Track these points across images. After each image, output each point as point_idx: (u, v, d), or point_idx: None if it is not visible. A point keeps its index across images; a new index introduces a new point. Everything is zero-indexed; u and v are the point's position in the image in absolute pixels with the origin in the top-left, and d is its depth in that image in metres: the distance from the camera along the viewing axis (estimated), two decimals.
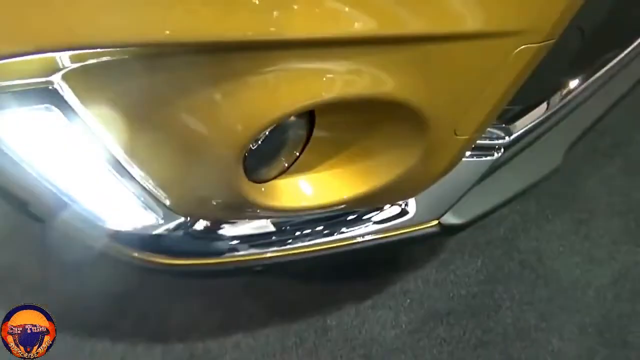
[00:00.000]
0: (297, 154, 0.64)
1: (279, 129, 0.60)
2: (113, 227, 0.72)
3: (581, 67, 0.88)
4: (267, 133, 0.59)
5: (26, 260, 1.31)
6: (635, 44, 0.92)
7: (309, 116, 0.61)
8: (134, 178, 0.63)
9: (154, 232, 0.72)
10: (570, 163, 0.94)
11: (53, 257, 1.21)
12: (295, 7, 0.47)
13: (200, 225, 0.72)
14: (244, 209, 0.65)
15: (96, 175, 0.63)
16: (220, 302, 1.10)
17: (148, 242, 0.74)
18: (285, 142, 0.63)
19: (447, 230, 0.82)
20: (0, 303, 1.55)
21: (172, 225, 0.71)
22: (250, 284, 1.12)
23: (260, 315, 1.08)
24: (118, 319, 1.14)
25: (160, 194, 0.65)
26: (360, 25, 0.50)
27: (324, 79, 0.53)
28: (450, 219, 0.81)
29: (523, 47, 0.58)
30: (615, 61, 0.89)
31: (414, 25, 0.52)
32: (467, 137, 0.66)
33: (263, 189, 0.64)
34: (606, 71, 0.89)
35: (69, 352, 1.20)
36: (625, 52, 0.90)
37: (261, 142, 0.60)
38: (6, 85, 0.52)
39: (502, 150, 0.78)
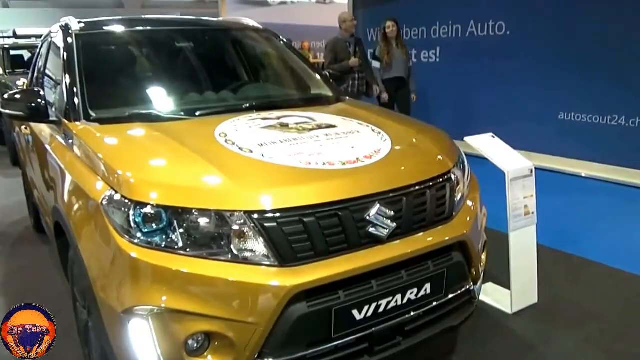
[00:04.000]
0: (206, 348, 1.71)
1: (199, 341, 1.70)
2: None
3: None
4: (195, 341, 1.69)
5: None
6: None
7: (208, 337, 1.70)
8: None
9: None
10: None
11: None
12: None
13: None
14: None
15: None
16: None
17: None
18: (201, 345, 1.71)
19: None
20: (0, 303, 1.51)
21: None
22: None
23: None
24: None
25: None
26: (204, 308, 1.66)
27: (194, 323, 1.66)
28: None
29: (258, 328, 1.64)
30: None
31: (218, 312, 1.65)
32: (248, 354, 1.67)
33: (192, 359, 1.69)
34: None
35: None
36: None
37: (195, 344, 1.70)
38: None
39: None
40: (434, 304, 2.02)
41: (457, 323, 2.14)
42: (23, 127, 3.46)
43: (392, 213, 1.85)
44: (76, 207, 2.02)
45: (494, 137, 2.93)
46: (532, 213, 2.79)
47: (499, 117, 6.19)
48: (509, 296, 2.80)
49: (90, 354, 2.17)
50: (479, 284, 2.26)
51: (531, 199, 2.78)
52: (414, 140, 2.31)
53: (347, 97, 3.09)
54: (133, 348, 1.70)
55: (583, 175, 5.27)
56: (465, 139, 2.84)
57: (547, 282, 3.00)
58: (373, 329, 1.85)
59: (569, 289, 3.09)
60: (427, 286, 1.95)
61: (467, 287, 2.16)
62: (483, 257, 2.32)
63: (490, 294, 2.90)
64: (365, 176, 1.91)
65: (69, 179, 2.16)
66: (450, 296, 2.08)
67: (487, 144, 2.84)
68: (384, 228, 1.83)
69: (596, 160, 5.29)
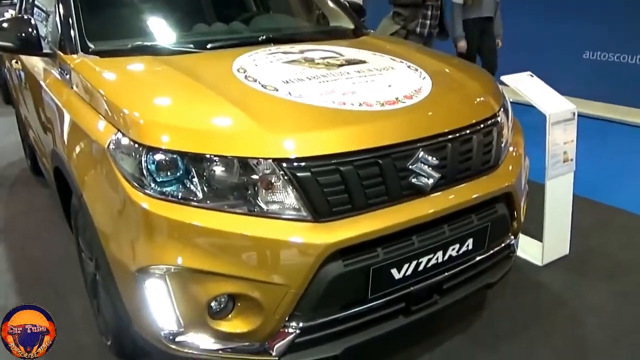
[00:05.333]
0: (230, 310, 1.54)
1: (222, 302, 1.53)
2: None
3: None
4: (218, 303, 1.52)
5: None
6: None
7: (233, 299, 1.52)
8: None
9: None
10: None
11: None
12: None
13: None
14: (210, 329, 1.54)
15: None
16: None
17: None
18: (225, 307, 1.54)
19: None
20: (0, 303, 1.52)
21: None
22: None
23: None
24: None
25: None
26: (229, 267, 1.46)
27: (217, 284, 1.47)
28: None
29: (289, 290, 1.45)
30: None
31: (245, 272, 1.46)
32: (278, 317, 1.50)
33: (215, 321, 1.53)
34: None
35: None
36: None
37: (219, 305, 1.53)
38: None
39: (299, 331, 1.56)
40: (474, 260, 1.85)
41: (496, 280, 1.98)
42: (13, 61, 3.16)
43: (437, 161, 1.64)
44: (78, 150, 1.80)
45: (532, 76, 2.67)
46: (571, 160, 2.58)
47: (518, 57, 5.87)
48: (540, 248, 2.65)
49: (99, 308, 2.02)
50: (518, 237, 2.09)
51: (571, 145, 2.56)
52: (456, 78, 2.06)
53: (371, 30, 2.79)
54: (150, 309, 1.53)
55: (607, 118, 5.04)
56: (502, 78, 2.59)
57: (577, 232, 2.83)
58: (411, 288, 1.68)
59: (599, 240, 2.93)
60: (470, 242, 1.77)
61: (508, 241, 1.99)
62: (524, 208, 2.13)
63: (519, 246, 2.74)
64: (407, 119, 1.68)
65: (68, 119, 1.92)
66: (491, 252, 1.91)
67: (525, 84, 2.59)
68: (427, 178, 1.62)
69: (621, 102, 5.04)
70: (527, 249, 2.71)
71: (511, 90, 2.54)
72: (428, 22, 4.31)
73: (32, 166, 3.83)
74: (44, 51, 2.23)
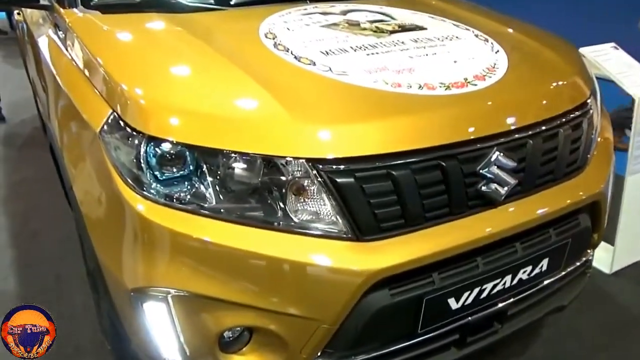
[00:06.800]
0: (245, 342, 1.24)
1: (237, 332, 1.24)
2: None
3: None
4: (232, 332, 1.24)
5: None
6: None
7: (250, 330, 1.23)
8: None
9: None
10: None
11: None
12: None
13: None
14: None
15: None
16: None
17: None
18: (239, 337, 1.25)
19: None
20: (0, 303, 1.51)
21: None
22: None
23: None
24: None
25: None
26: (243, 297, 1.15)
27: (230, 315, 1.17)
28: None
29: (321, 326, 1.15)
30: None
31: (265, 302, 1.15)
32: (305, 356, 1.20)
33: (227, 355, 1.24)
34: None
35: None
36: None
37: (232, 335, 1.24)
38: None
39: None
40: (547, 282, 1.51)
41: (568, 302, 1.63)
42: (16, 11, 2.84)
43: (514, 163, 1.28)
44: (68, 132, 1.49)
45: (617, 48, 2.23)
46: None
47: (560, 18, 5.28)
48: (609, 252, 2.28)
49: (100, 305, 1.76)
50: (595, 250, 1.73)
51: None
52: (538, 53, 1.65)
53: None
54: (149, 333, 1.24)
55: None
56: (581, 50, 2.15)
57: None
58: (469, 318, 1.36)
59: None
60: (544, 262, 1.42)
61: (587, 257, 1.63)
62: None
63: None
64: (480, 108, 1.31)
65: (59, 90, 1.59)
66: (567, 270, 1.56)
67: (609, 58, 2.15)
68: (500, 185, 1.27)
69: None
70: (595, 252, 2.34)
71: None
72: None
73: (43, 126, 3.57)
74: (41, 3, 1.89)
